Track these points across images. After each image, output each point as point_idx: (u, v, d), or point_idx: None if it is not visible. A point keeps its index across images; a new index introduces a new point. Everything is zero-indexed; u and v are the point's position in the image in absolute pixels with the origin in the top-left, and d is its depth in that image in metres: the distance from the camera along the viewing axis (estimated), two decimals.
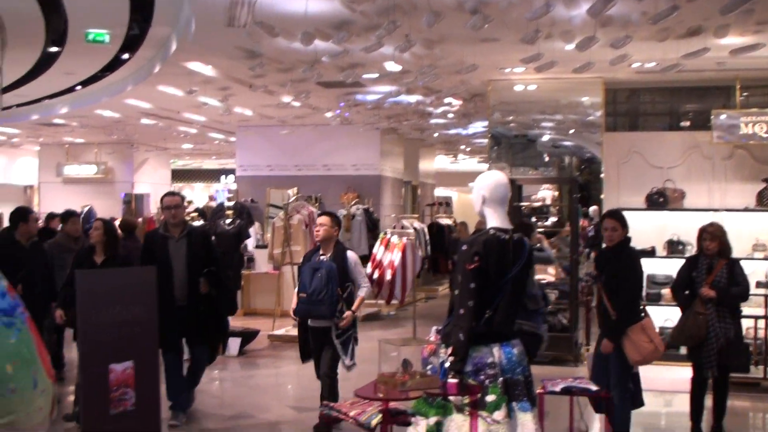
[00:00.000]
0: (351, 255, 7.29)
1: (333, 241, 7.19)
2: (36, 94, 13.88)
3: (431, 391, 4.11)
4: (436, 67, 10.20)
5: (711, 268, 7.22)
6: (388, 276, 10.73)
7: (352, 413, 4.62)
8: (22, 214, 8.69)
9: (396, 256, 10.74)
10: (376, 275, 10.80)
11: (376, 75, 11.72)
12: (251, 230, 14.27)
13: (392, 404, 4.65)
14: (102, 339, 5.18)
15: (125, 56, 10.85)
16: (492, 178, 4.59)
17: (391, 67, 10.96)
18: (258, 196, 17.63)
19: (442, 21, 7.91)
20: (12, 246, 8.40)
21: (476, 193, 4.59)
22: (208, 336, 7.73)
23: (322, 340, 7.13)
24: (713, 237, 7.20)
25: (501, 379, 4.27)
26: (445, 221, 20.40)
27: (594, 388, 5.74)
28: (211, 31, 9.37)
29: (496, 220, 4.49)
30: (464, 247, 4.36)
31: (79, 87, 13.21)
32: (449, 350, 4.24)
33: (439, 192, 28.59)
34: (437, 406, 4.25)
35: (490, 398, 4.20)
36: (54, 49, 10.27)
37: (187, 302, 7.31)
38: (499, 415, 4.19)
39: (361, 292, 7.25)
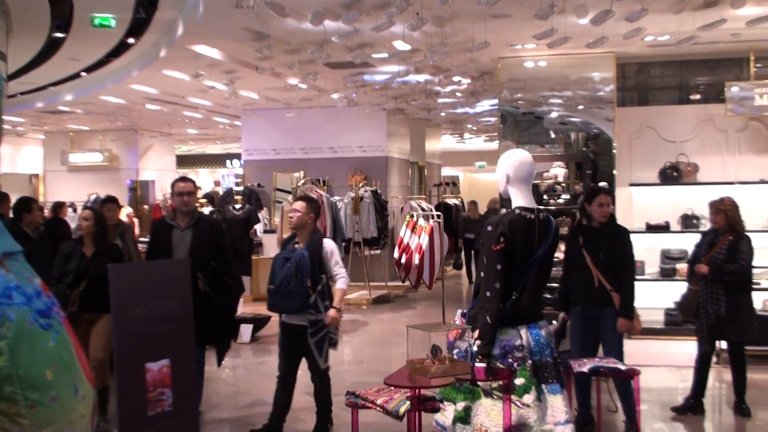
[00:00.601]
0: (328, 244, 6.62)
1: (308, 229, 6.57)
2: (41, 81, 13.75)
3: (462, 376, 4.02)
4: (446, 45, 10.04)
5: (713, 244, 7.15)
6: (416, 260, 10.44)
7: (378, 401, 4.52)
8: (25, 204, 8.39)
9: (423, 240, 10.48)
10: (403, 259, 10.58)
11: (385, 55, 11.58)
12: (260, 215, 14.19)
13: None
14: (137, 336, 4.89)
15: (131, 41, 10.70)
16: (516, 157, 4.48)
17: (401, 46, 10.82)
18: (264, 180, 17.55)
19: None
20: (20, 238, 8.04)
21: (500, 172, 4.49)
22: (211, 337, 7.03)
23: (296, 341, 6.49)
24: (717, 211, 7.14)
25: (529, 361, 4.18)
26: (452, 201, 20.35)
27: (623, 367, 5.66)
28: (219, 12, 9.23)
29: (521, 199, 4.39)
30: (489, 228, 4.26)
31: (84, 73, 13.08)
32: (476, 334, 4.15)
33: (446, 172, 28.48)
34: (465, 391, 4.17)
35: (519, 381, 4.12)
36: (59, 34, 10.13)
37: None
38: (528, 398, 4.12)
39: (340, 284, 6.56)
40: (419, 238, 10.49)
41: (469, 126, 23.59)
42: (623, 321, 6.27)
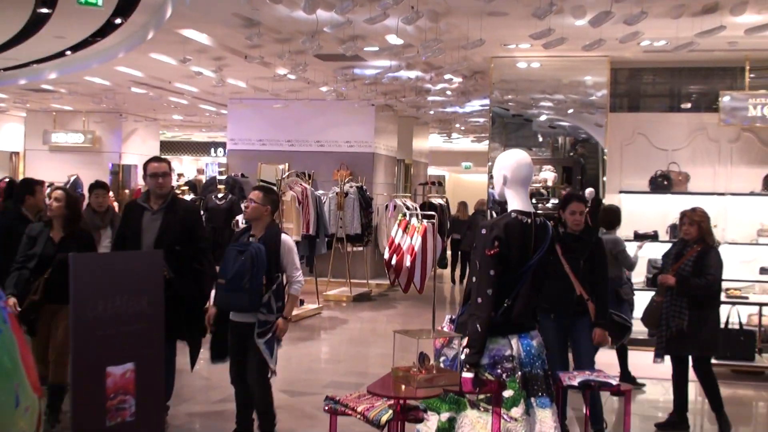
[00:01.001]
0: (286, 240, 6.12)
1: (265, 221, 6.06)
2: (24, 57, 13.46)
3: (449, 387, 3.81)
4: (440, 41, 9.84)
5: (680, 255, 6.97)
6: (408, 262, 9.95)
7: (359, 408, 4.30)
8: (28, 186, 7.77)
9: (416, 241, 9.96)
10: (394, 261, 10.13)
11: (377, 48, 11.37)
12: (242, 205, 13.96)
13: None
14: (99, 336, 4.31)
15: (118, 21, 10.44)
16: (514, 158, 4.27)
17: (393, 40, 10.61)
18: (249, 171, 17.26)
19: None
20: (20, 222, 7.32)
21: (497, 173, 4.27)
22: (180, 331, 6.48)
23: (246, 339, 5.98)
24: (692, 222, 6.93)
25: (519, 373, 3.98)
26: (437, 201, 20.16)
27: (614, 382, 5.49)
28: None
29: (518, 202, 4.18)
30: (484, 231, 4.05)
31: (68, 52, 12.80)
32: (464, 341, 3.95)
33: (432, 171, 28.30)
34: (450, 402, 3.97)
35: (508, 394, 3.92)
36: (44, 10, 9.85)
37: None
38: (516, 411, 3.92)
39: (293, 290, 6.11)
40: (411, 238, 10.05)
41: (458, 126, 23.41)
42: (600, 331, 6.12)
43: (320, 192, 14.81)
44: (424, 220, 10.02)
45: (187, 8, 9.45)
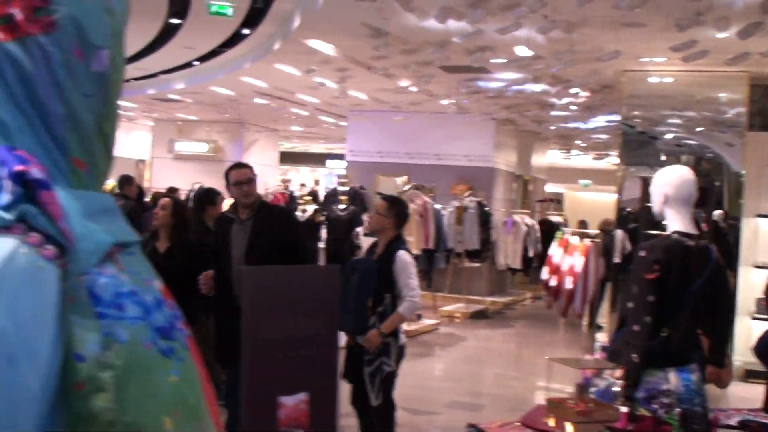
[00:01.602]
0: (401, 257, 5.57)
1: (387, 235, 5.59)
2: (154, 68, 13.79)
3: (610, 424, 3.50)
4: (574, 52, 9.48)
5: None
6: (569, 284, 9.44)
7: None
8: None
9: (578, 261, 9.46)
10: (554, 282, 9.70)
11: (505, 60, 11.09)
12: (363, 218, 13.91)
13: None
14: (271, 362, 3.85)
15: (246, 31, 10.53)
16: (676, 174, 3.95)
17: (522, 51, 10.31)
18: (366, 183, 17.21)
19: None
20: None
21: (657, 190, 3.96)
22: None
23: (356, 361, 5.58)
24: None
25: (678, 409, 3.65)
26: (555, 218, 19.68)
27: None
28: (339, 5, 8.91)
29: (679, 222, 3.85)
30: (642, 253, 3.75)
31: (196, 62, 13.03)
32: (618, 372, 3.65)
33: (548, 188, 27.71)
34: None
35: None
36: (175, 20, 10.02)
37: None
38: None
39: (402, 309, 5.53)
40: (573, 258, 9.58)
41: (578, 142, 22.83)
42: (713, 369, 5.57)
43: (438, 206, 14.61)
44: (585, 240, 9.62)
45: (315, 18, 9.40)
